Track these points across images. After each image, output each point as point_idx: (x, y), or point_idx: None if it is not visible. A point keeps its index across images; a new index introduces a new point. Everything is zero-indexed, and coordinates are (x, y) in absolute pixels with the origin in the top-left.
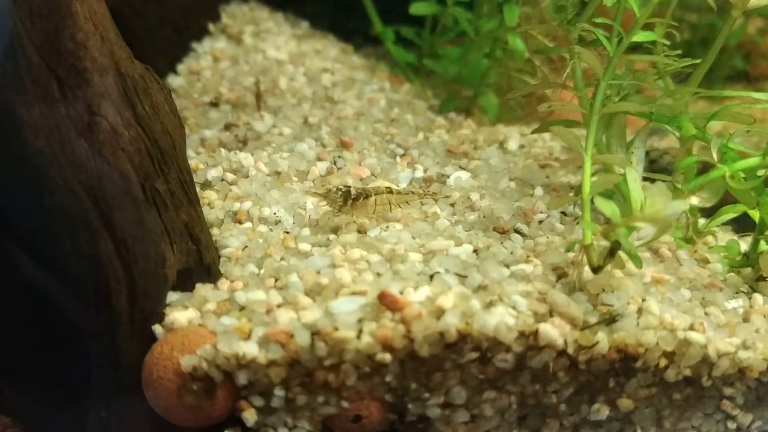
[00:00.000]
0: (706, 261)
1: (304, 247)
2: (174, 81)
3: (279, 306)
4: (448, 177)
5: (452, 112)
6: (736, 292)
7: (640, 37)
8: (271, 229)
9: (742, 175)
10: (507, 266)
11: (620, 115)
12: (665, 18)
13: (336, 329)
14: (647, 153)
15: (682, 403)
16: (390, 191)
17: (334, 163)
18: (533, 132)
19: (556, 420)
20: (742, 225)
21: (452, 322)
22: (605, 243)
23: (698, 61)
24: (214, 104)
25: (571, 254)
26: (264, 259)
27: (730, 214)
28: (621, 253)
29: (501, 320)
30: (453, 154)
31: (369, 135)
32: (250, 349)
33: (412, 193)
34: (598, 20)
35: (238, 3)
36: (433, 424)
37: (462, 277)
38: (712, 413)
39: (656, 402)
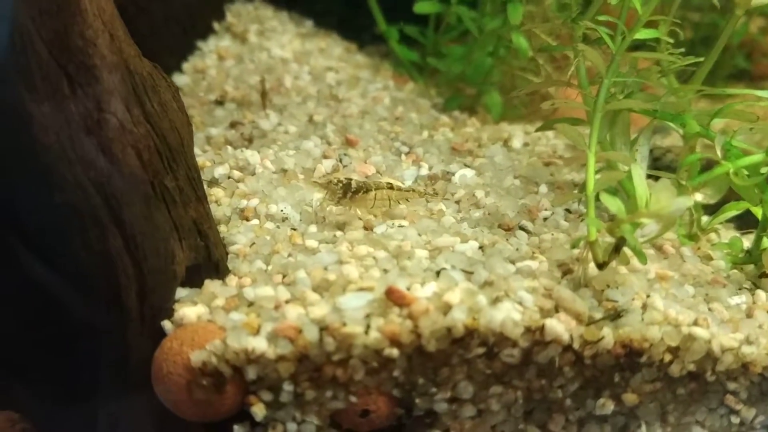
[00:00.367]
0: (709, 258)
1: (311, 243)
2: (179, 79)
3: (287, 302)
4: (453, 175)
5: (456, 110)
6: (739, 289)
7: (643, 34)
8: (278, 226)
9: (746, 172)
10: (513, 262)
11: (624, 112)
12: (668, 18)
13: (344, 324)
14: (650, 151)
15: (686, 398)
16: (390, 187)
17: (340, 161)
18: (537, 130)
19: (562, 414)
20: (744, 222)
21: (459, 318)
22: (610, 239)
23: (701, 59)
24: (220, 102)
25: (576, 251)
26: (271, 256)
27: (732, 211)
28: (626, 250)
29: (507, 316)
30: (457, 152)
31: (374, 133)
32: (259, 344)
33: (413, 190)
34: (602, 18)
35: (243, 2)
36: (440, 419)
37: (468, 274)
38: (715, 408)
39: (661, 397)
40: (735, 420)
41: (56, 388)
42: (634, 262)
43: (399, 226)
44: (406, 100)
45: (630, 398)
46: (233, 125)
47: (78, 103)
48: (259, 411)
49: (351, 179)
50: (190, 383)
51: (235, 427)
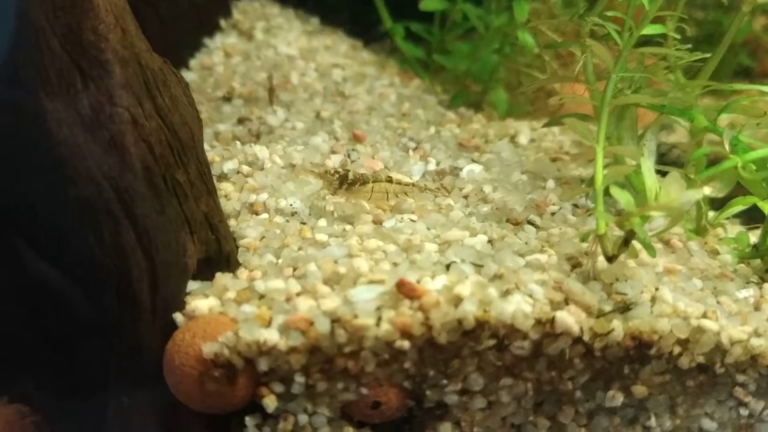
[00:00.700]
0: (716, 252)
1: (321, 237)
2: (186, 76)
3: (298, 294)
4: (461, 170)
5: (462, 107)
6: (747, 283)
7: (650, 30)
8: (287, 220)
9: (753, 166)
10: (522, 256)
11: (632, 108)
12: (676, 13)
13: (355, 317)
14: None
15: (695, 390)
16: (390, 181)
17: (348, 156)
18: (545, 126)
19: (572, 406)
20: (751, 217)
21: (470, 310)
22: (619, 233)
23: (708, 55)
24: (227, 99)
25: (584, 244)
26: (282, 249)
27: (739, 206)
28: (634, 243)
29: (518, 308)
30: (464, 147)
31: (381, 129)
32: (271, 336)
33: (413, 185)
34: (610, 13)
35: None
36: (451, 411)
37: (478, 267)
38: (724, 400)
39: (670, 389)
40: (744, 412)
41: (67, 381)
42: (643, 255)
43: (411, 221)
44: (412, 97)
45: (639, 390)
46: (241, 121)
47: (91, 98)
48: (270, 402)
49: (348, 170)
50: (202, 375)
51: (247, 419)
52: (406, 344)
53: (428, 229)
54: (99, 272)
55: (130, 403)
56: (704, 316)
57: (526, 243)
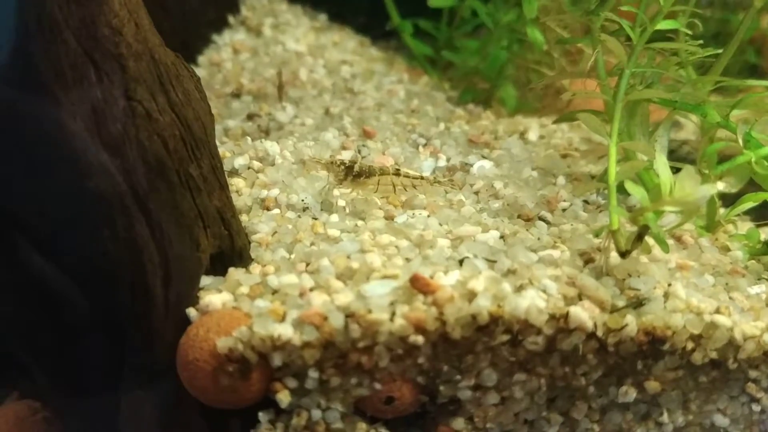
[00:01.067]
0: (727, 249)
1: (333, 232)
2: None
3: (312, 289)
4: (472, 166)
5: (470, 103)
6: (758, 279)
7: (663, 25)
8: (299, 216)
9: (766, 162)
10: (534, 252)
11: (644, 103)
12: (688, 7)
13: (369, 311)
14: None
15: (708, 386)
16: (397, 173)
17: (359, 152)
18: (555, 122)
19: (585, 402)
20: (761, 214)
21: (484, 305)
22: (631, 229)
23: (720, 51)
24: (236, 95)
25: (597, 240)
26: (294, 245)
27: (750, 202)
28: (647, 239)
29: (532, 303)
30: (474, 143)
31: (390, 125)
32: (285, 331)
33: (422, 178)
34: (623, 8)
35: None
36: (464, 406)
37: (491, 262)
38: (737, 396)
39: (683, 384)
40: (756, 408)
41: (78, 377)
42: (655, 251)
43: (427, 216)
44: (420, 93)
45: (652, 386)
46: (250, 117)
47: (105, 91)
48: (284, 398)
49: (354, 162)
50: (216, 370)
51: (260, 414)
52: (419, 339)
53: (440, 224)
54: (112, 266)
55: (143, 398)
56: (717, 311)
57: (539, 239)
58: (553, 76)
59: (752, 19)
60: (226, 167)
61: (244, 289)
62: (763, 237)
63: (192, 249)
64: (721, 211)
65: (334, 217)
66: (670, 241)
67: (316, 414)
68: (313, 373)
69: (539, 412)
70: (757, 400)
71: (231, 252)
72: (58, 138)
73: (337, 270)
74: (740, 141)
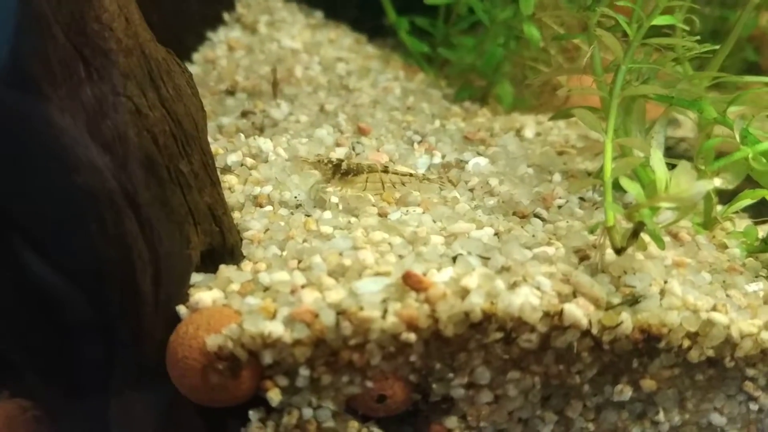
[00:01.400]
0: (724, 246)
1: (326, 229)
2: (190, 69)
3: (303, 286)
4: (467, 163)
5: (467, 100)
6: (756, 276)
7: (660, 20)
8: (291, 213)
9: (763, 159)
10: (529, 248)
11: (640, 100)
12: (686, 2)
13: (361, 309)
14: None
15: (704, 384)
16: (386, 171)
17: (353, 149)
18: (551, 119)
19: (580, 401)
20: (759, 212)
21: (477, 302)
22: (627, 225)
23: (717, 47)
24: (231, 92)
25: (592, 237)
26: (286, 242)
27: (748, 199)
28: (643, 236)
29: (526, 300)
30: (470, 141)
31: (386, 122)
32: (275, 329)
33: (411, 175)
34: (620, 3)
35: None
36: (457, 405)
37: (485, 259)
38: (734, 394)
39: (679, 383)
40: (753, 407)
41: (69, 375)
42: (651, 248)
43: (421, 213)
44: (416, 91)
45: (648, 384)
46: (244, 114)
47: (94, 87)
48: (274, 396)
49: (342, 160)
50: (206, 368)
51: (251, 413)
52: (412, 337)
53: (434, 221)
54: (101, 263)
55: (133, 397)
56: (714, 309)
57: (533, 236)
58: (550, 73)
59: (750, 17)
60: (219, 164)
61: (235, 287)
62: (760, 234)
63: (182, 246)
64: (719, 208)
65: (327, 214)
66: (667, 238)
67: (307, 412)
68: (304, 371)
69: (533, 410)
70: (755, 399)
71: (222, 249)
72: (47, 134)
73: (329, 267)
74: (737, 137)
